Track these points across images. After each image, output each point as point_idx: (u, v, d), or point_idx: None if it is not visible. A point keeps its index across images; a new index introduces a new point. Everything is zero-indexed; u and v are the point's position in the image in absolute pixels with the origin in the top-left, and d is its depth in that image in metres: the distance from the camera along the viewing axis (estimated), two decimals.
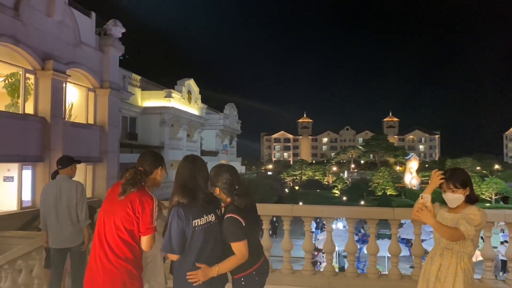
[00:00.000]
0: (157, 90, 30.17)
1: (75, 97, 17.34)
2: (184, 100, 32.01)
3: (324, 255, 20.90)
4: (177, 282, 2.96)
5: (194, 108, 34.02)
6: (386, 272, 5.61)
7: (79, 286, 3.66)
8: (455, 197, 3.08)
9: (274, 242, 5.85)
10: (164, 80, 37.12)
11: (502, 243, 22.72)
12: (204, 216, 2.93)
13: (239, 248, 2.93)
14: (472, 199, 3.13)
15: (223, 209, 3.11)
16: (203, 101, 36.61)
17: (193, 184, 2.97)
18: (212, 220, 2.98)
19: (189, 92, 33.22)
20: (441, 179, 3.13)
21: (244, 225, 2.95)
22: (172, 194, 2.98)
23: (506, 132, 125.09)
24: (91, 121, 17.52)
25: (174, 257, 2.90)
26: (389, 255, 5.36)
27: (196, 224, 2.88)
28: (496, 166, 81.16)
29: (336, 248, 17.76)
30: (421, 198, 3.11)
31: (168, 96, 29.17)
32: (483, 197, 50.36)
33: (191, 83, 33.84)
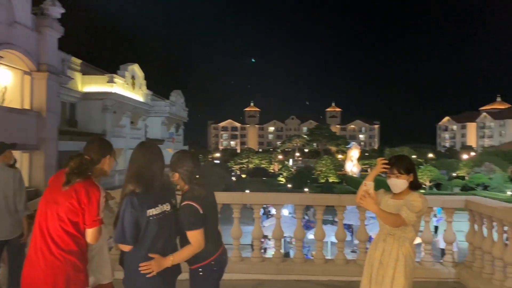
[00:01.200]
0: (99, 74, 28.92)
1: (9, 80, 16.19)
2: (128, 86, 30.95)
3: (270, 242, 21.27)
4: (128, 274, 2.84)
5: (138, 94, 33.02)
6: (329, 257, 5.77)
7: (16, 280, 3.43)
8: (398, 183, 3.14)
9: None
10: (107, 64, 35.63)
11: (436, 228, 24.17)
12: (159, 205, 2.84)
13: (196, 236, 2.86)
14: (415, 186, 3.21)
15: (179, 198, 3.03)
16: (148, 87, 35.61)
17: (148, 172, 2.84)
18: (167, 209, 2.89)
19: (133, 78, 32.15)
20: (385, 165, 3.20)
21: (201, 212, 2.88)
22: (125, 182, 2.84)
23: (439, 123, 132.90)
24: (27, 106, 16.47)
25: (126, 248, 2.77)
26: (332, 241, 5.52)
27: (151, 214, 2.77)
28: (430, 155, 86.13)
29: (284, 234, 18.18)
30: (364, 185, 3.15)
31: (111, 81, 28.06)
32: (419, 183, 53.19)
33: (135, 68, 32.75)
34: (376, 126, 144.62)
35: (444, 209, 5.31)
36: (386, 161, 3.24)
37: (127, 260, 2.84)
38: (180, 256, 2.88)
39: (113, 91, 27.96)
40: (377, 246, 3.22)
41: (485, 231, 4.87)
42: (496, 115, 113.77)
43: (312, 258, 5.68)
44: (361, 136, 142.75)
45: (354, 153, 69.12)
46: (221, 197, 5.57)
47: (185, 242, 2.92)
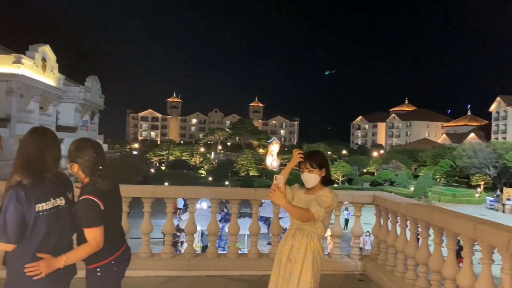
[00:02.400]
0: (4, 54, 26.35)
1: None
2: (38, 68, 28.59)
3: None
4: (12, 276, 2.48)
5: (49, 78, 30.64)
6: (246, 250, 5.73)
7: None
8: (310, 177, 3.14)
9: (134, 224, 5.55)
10: (18, 45, 32.57)
11: (346, 221, 25.47)
12: (51, 199, 2.51)
13: (94, 234, 2.59)
14: (327, 181, 3.21)
15: (78, 191, 2.73)
16: (61, 71, 33.22)
17: (40, 161, 2.50)
18: (61, 204, 2.58)
19: (44, 60, 29.76)
20: (301, 157, 3.19)
21: (102, 208, 2.61)
22: (12, 172, 2.47)
23: (353, 122, 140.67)
24: None
25: (9, 247, 2.42)
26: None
27: (40, 209, 2.44)
28: (344, 151, 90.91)
29: (200, 228, 17.86)
30: (275, 179, 3.10)
31: (18, 62, 25.71)
32: (332, 178, 55.94)
33: (46, 49, 30.34)
34: (296, 122, 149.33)
35: (353, 203, 5.50)
36: (302, 152, 3.23)
37: (11, 260, 2.48)
38: (75, 255, 2.60)
39: (20, 73, 25.63)
40: (286, 241, 3.19)
41: (390, 225, 5.12)
42: (404, 116, 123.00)
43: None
44: (282, 132, 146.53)
45: (274, 147, 70.77)
46: (132, 191, 5.27)
47: (82, 240, 2.64)
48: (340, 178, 58.66)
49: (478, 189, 51.58)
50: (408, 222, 4.64)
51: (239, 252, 15.40)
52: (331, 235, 5.63)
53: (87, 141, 2.81)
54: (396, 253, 4.87)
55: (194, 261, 5.19)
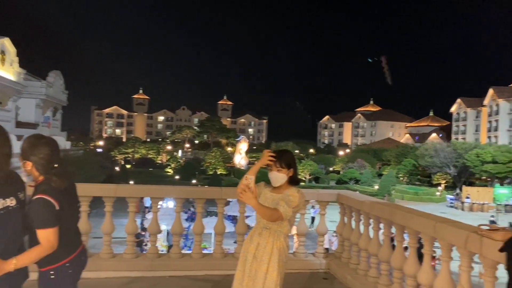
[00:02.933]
0: None
1: None
2: None
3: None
4: None
5: (8, 72, 29.41)
6: (213, 249, 5.65)
7: None
8: (278, 176, 3.16)
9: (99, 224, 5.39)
10: None
11: (313, 219, 25.74)
12: (1, 200, 2.38)
13: (47, 236, 2.46)
14: (294, 181, 3.24)
15: (32, 190, 2.59)
16: (22, 65, 31.93)
17: None
18: (11, 204, 2.44)
19: (2, 53, 28.54)
20: (270, 159, 3.19)
21: (57, 208, 2.49)
22: None
23: (320, 121, 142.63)
24: None
25: None
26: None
27: None
28: (311, 150, 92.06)
29: (166, 227, 17.59)
30: (245, 179, 3.07)
31: None
32: (299, 177, 56.55)
33: (5, 42, 29.10)
34: (265, 121, 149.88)
35: (319, 202, 5.53)
36: (273, 154, 3.23)
37: None
38: (26, 258, 2.47)
39: None
40: (252, 239, 3.18)
41: (353, 223, 5.17)
42: (369, 116, 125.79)
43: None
44: (250, 130, 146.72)
45: (243, 146, 70.76)
46: (93, 189, 5.11)
47: (35, 241, 2.51)
48: (307, 177, 59.33)
49: (439, 188, 53.44)
50: (371, 221, 4.71)
51: (205, 251, 15.24)
52: (297, 234, 5.64)
53: (41, 138, 2.68)
54: (360, 251, 4.93)
55: (157, 262, 5.08)
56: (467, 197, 42.25)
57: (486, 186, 49.41)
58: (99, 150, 74.77)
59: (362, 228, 4.96)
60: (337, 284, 4.97)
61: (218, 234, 5.29)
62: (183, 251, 5.45)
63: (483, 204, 40.92)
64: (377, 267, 4.58)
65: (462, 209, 40.70)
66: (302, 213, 5.56)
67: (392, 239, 4.34)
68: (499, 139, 69.09)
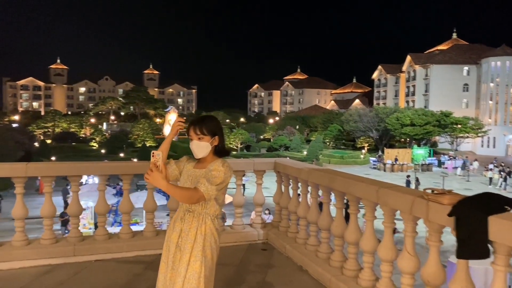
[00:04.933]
0: None
1: None
2: None
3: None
4: None
5: None
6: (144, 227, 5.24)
7: None
8: (200, 145, 2.69)
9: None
10: None
11: (243, 186, 25.86)
12: None
13: None
14: (220, 151, 2.76)
15: None
16: None
17: None
18: None
19: None
20: (179, 126, 2.76)
21: None
22: None
23: (250, 90, 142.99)
24: None
25: None
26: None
27: None
28: (242, 119, 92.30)
29: (92, 204, 16.67)
30: (152, 156, 2.52)
31: None
32: (231, 146, 56.67)
33: None
34: (194, 90, 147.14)
35: (255, 171, 5.30)
36: (183, 120, 2.79)
37: None
38: None
39: None
40: (174, 226, 2.70)
41: (291, 192, 5.02)
42: (297, 84, 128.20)
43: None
44: (180, 100, 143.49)
45: (172, 116, 68.33)
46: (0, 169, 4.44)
47: None
48: (239, 145, 59.56)
49: (363, 151, 56.33)
50: (309, 188, 4.57)
51: (136, 227, 14.59)
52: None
53: None
54: (298, 220, 4.81)
55: (81, 246, 4.58)
56: (396, 159, 44.74)
57: (405, 147, 52.83)
58: (14, 125, 69.11)
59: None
60: (276, 254, 4.83)
61: (148, 212, 4.89)
62: (111, 229, 5.03)
63: (403, 164, 43.77)
64: (317, 235, 4.49)
65: (384, 170, 43.26)
66: (238, 184, 5.32)
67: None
68: (416, 103, 73.82)
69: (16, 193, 4.48)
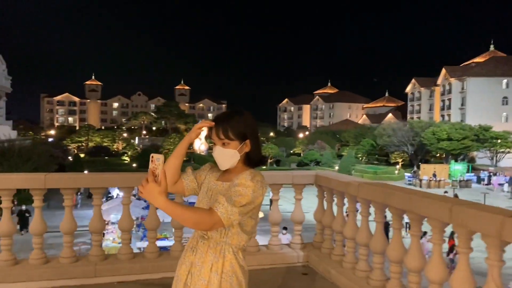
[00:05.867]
0: None
1: None
2: None
3: (110, 227, 19.30)
4: None
5: None
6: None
7: None
8: (224, 153, 2.01)
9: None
10: None
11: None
12: None
13: None
14: (253, 160, 2.06)
15: None
16: None
17: None
18: None
19: None
20: (199, 130, 2.10)
21: None
22: None
23: (280, 104, 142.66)
24: None
25: None
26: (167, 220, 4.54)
27: None
28: (272, 134, 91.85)
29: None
30: (151, 161, 1.80)
31: None
32: (261, 156, 56.24)
33: None
34: (224, 105, 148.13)
35: (294, 185, 4.76)
36: (209, 123, 2.09)
37: None
38: None
39: None
40: (184, 258, 2.05)
41: (335, 208, 4.45)
42: (327, 98, 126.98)
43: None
44: (210, 115, 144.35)
45: (202, 132, 69.06)
46: (15, 181, 4.10)
47: None
48: (269, 160, 59.00)
49: (397, 166, 54.60)
50: (358, 205, 3.99)
51: (165, 242, 14.06)
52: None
53: None
54: (345, 241, 4.22)
55: (102, 266, 4.15)
56: (434, 175, 43.06)
57: (441, 163, 50.89)
58: (50, 139, 71.15)
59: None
60: (320, 279, 4.24)
61: (176, 229, 4.42)
62: (141, 244, 4.57)
63: (440, 180, 42.03)
64: (367, 259, 3.90)
65: (420, 186, 41.61)
66: (275, 199, 4.79)
67: (386, 226, 3.65)
68: (451, 117, 71.41)
69: (34, 207, 4.11)
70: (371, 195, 3.64)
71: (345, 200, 4.46)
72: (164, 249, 14.20)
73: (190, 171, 2.23)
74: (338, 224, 4.30)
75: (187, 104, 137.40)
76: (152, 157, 1.80)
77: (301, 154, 66.99)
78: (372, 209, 3.74)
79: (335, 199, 4.44)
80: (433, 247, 2.96)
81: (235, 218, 1.86)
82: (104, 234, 18.20)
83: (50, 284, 3.96)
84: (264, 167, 54.34)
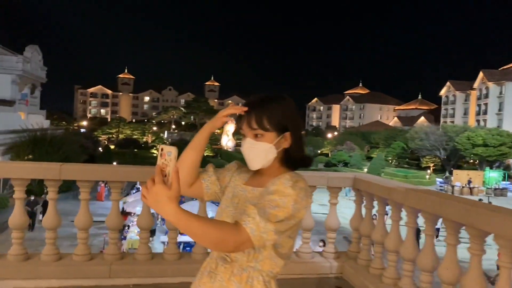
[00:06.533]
0: None
1: None
2: None
3: (133, 219, 19.25)
4: None
5: None
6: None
7: None
8: (257, 148, 1.57)
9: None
10: None
11: None
12: None
13: None
14: (292, 159, 1.61)
15: None
16: None
17: None
18: None
19: None
20: (227, 116, 1.70)
21: None
22: None
23: (309, 103, 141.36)
24: None
25: None
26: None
27: None
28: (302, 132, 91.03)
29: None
30: (161, 155, 1.37)
31: None
32: (305, 154, 55.82)
33: None
34: None
35: (329, 188, 4.31)
36: (239, 109, 1.65)
37: None
38: None
39: None
40: (200, 285, 1.61)
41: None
42: (357, 99, 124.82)
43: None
44: None
45: (230, 127, 67.44)
46: (29, 169, 3.82)
47: None
48: None
49: (428, 171, 52.97)
50: (403, 214, 3.52)
51: (184, 240, 13.60)
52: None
53: None
54: (385, 253, 3.76)
55: (118, 266, 3.83)
56: (469, 181, 41.52)
57: (475, 169, 49.01)
58: (82, 130, 72.79)
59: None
60: None
61: (171, 230, 4.05)
62: (162, 240, 4.23)
63: (473, 187, 40.42)
64: (412, 276, 3.42)
65: (452, 193, 40.15)
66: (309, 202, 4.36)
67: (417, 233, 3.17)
68: (487, 123, 68.75)
69: (48, 199, 3.83)
70: (422, 204, 3.16)
71: (374, 203, 4.03)
72: (188, 244, 14.06)
73: (212, 170, 1.81)
74: (378, 234, 3.84)
75: (216, 100, 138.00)
76: (162, 149, 1.35)
77: (329, 155, 66.01)
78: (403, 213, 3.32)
79: (375, 205, 3.98)
80: (500, 269, 2.47)
81: (270, 237, 1.39)
82: (128, 226, 18.20)
83: (61, 283, 3.67)
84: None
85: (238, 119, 1.69)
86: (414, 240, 3.39)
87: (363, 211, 4.24)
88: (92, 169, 3.92)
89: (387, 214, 3.80)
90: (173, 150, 1.34)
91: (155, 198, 1.28)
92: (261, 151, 1.57)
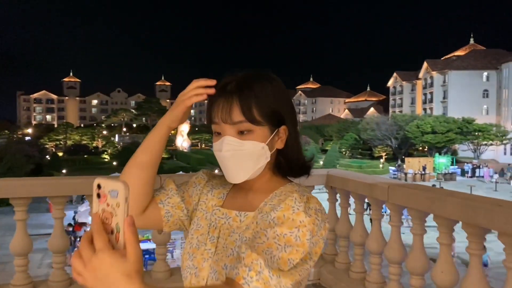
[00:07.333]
0: None
1: None
2: None
3: (88, 229, 18.22)
4: None
5: None
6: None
7: None
8: (245, 151, 1.05)
9: None
10: None
11: None
12: None
13: None
14: (290, 165, 1.14)
15: None
16: None
17: None
18: None
19: None
20: (198, 92, 1.12)
21: None
22: None
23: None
24: None
25: None
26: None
27: None
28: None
29: None
30: (98, 194, 0.75)
31: None
32: (306, 158, 55.83)
33: None
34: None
35: (326, 186, 3.95)
36: (210, 82, 1.12)
37: None
38: None
39: None
40: None
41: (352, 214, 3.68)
42: (309, 93, 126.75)
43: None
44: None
45: (184, 127, 65.58)
46: None
47: None
48: None
49: (381, 160, 54.52)
50: (352, 201, 3.22)
51: (149, 243, 12.79)
52: None
53: None
54: (365, 255, 3.46)
55: None
56: (424, 168, 43.07)
57: (425, 156, 50.96)
58: (27, 138, 68.94)
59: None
60: None
61: (159, 245, 3.57)
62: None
63: (425, 174, 41.94)
64: (399, 280, 3.13)
65: (405, 180, 41.44)
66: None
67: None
68: (433, 111, 71.79)
69: (15, 220, 3.21)
70: (409, 201, 2.86)
71: (351, 201, 3.74)
72: (146, 252, 13.34)
73: (172, 187, 1.19)
74: (357, 234, 3.53)
75: (168, 101, 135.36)
76: (100, 186, 0.75)
77: None
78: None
79: (353, 203, 3.67)
80: (508, 272, 2.20)
81: None
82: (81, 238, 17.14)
83: None
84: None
85: (208, 109, 1.15)
86: (400, 240, 3.10)
87: (338, 210, 3.93)
88: (28, 184, 3.33)
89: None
90: (120, 187, 0.73)
91: (99, 276, 0.71)
92: (251, 154, 1.05)
